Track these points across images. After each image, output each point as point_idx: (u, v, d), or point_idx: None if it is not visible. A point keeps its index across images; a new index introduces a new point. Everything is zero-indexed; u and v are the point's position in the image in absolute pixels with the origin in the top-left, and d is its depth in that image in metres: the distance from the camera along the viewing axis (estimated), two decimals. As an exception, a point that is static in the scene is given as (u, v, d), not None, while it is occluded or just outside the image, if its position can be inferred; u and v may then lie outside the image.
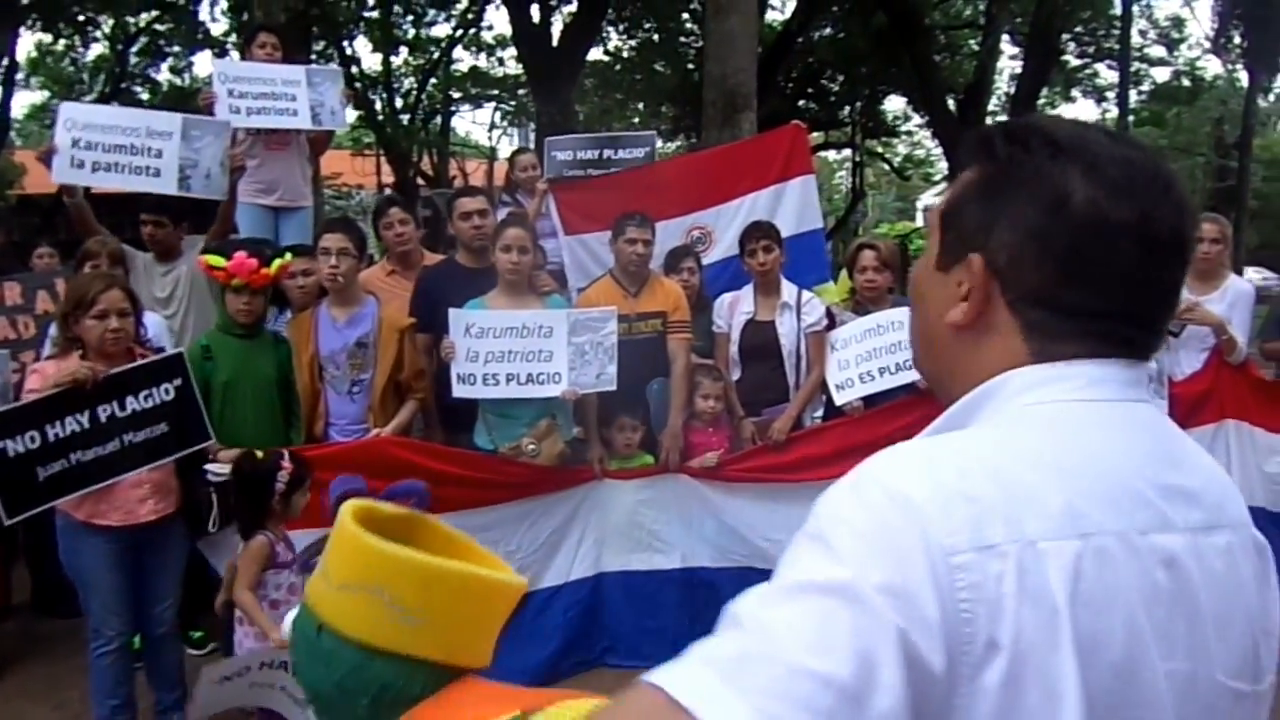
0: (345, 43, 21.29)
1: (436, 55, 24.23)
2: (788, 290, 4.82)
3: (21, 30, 17.98)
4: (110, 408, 3.53)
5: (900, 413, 4.64)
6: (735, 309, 4.83)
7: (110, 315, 3.56)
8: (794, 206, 5.79)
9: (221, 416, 3.99)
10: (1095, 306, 0.89)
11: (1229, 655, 0.85)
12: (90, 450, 3.49)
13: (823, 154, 29.84)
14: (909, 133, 29.36)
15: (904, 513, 0.76)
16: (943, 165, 27.27)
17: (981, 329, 0.92)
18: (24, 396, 3.63)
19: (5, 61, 17.38)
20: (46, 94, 25.57)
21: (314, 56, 16.12)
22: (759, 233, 4.79)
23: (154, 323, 4.53)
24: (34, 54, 23.14)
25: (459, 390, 4.21)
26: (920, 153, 32.51)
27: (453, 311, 4.22)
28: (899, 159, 32.11)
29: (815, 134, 26.53)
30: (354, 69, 21.35)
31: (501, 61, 25.96)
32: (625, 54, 23.01)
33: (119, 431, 3.54)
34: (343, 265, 4.18)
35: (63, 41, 20.85)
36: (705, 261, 5.37)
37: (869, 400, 4.69)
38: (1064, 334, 0.89)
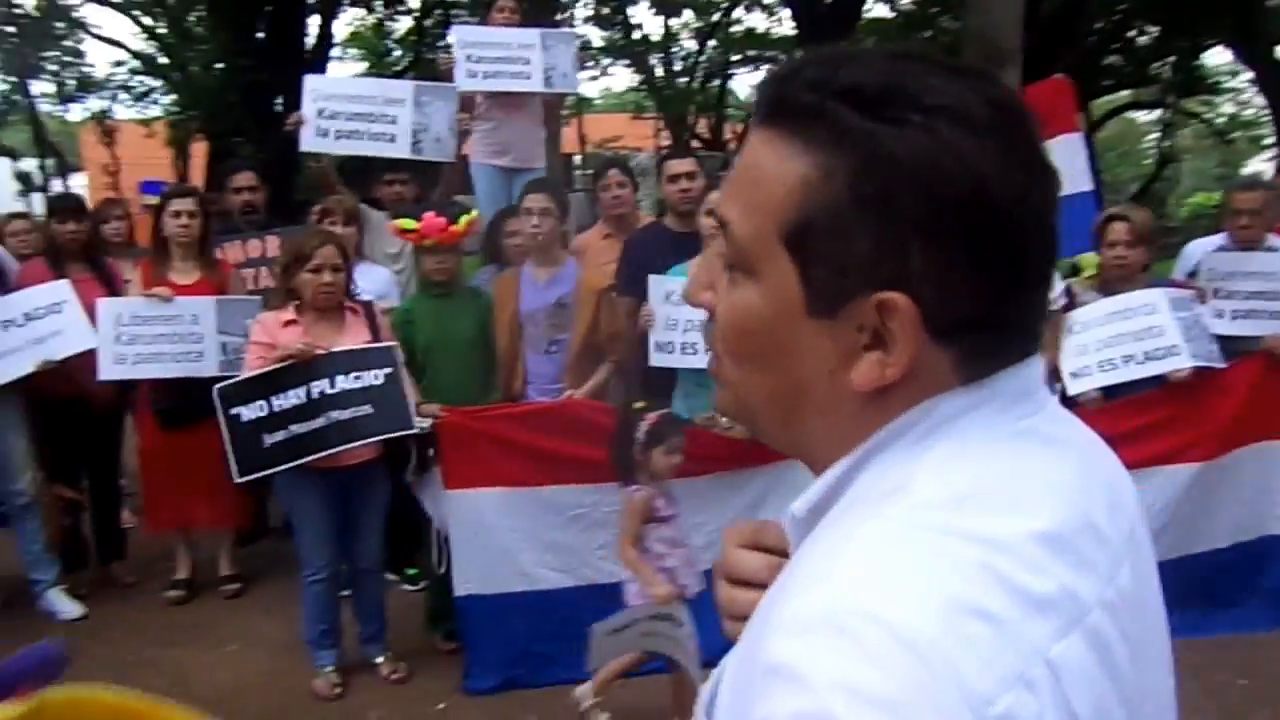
0: (628, 7, 21.82)
1: (717, 17, 24.25)
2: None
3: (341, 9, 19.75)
4: (323, 384, 3.77)
5: (1145, 409, 4.13)
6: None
7: (324, 270, 3.80)
8: (1058, 167, 5.26)
9: (425, 375, 4.20)
10: (1031, 307, 0.70)
11: (1165, 651, 0.76)
12: (306, 423, 3.77)
13: (1130, 114, 27.23)
14: (1234, 90, 26.10)
15: (928, 663, 0.57)
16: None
17: (899, 380, 0.68)
18: (248, 349, 3.95)
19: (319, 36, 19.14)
20: (365, 65, 28.07)
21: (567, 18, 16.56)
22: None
23: (384, 277, 4.82)
24: (353, 28, 25.40)
25: (656, 359, 4.16)
26: (1249, 113, 28.82)
27: (652, 278, 4.16)
28: (1222, 119, 28.65)
29: (1122, 91, 24.19)
30: (634, 34, 21.79)
31: (781, 21, 25.62)
32: (907, 8, 21.94)
33: (330, 409, 3.79)
34: (544, 225, 4.22)
35: (374, 16, 22.67)
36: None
37: (1109, 392, 4.19)
38: (1000, 350, 0.70)
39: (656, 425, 3.45)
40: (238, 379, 3.85)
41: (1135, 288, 4.25)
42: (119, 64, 24.57)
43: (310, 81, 5.08)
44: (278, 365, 3.75)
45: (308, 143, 4.90)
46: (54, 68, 25.40)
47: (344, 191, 5.02)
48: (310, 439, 3.79)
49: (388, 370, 3.87)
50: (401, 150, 4.89)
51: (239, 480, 3.87)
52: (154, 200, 5.31)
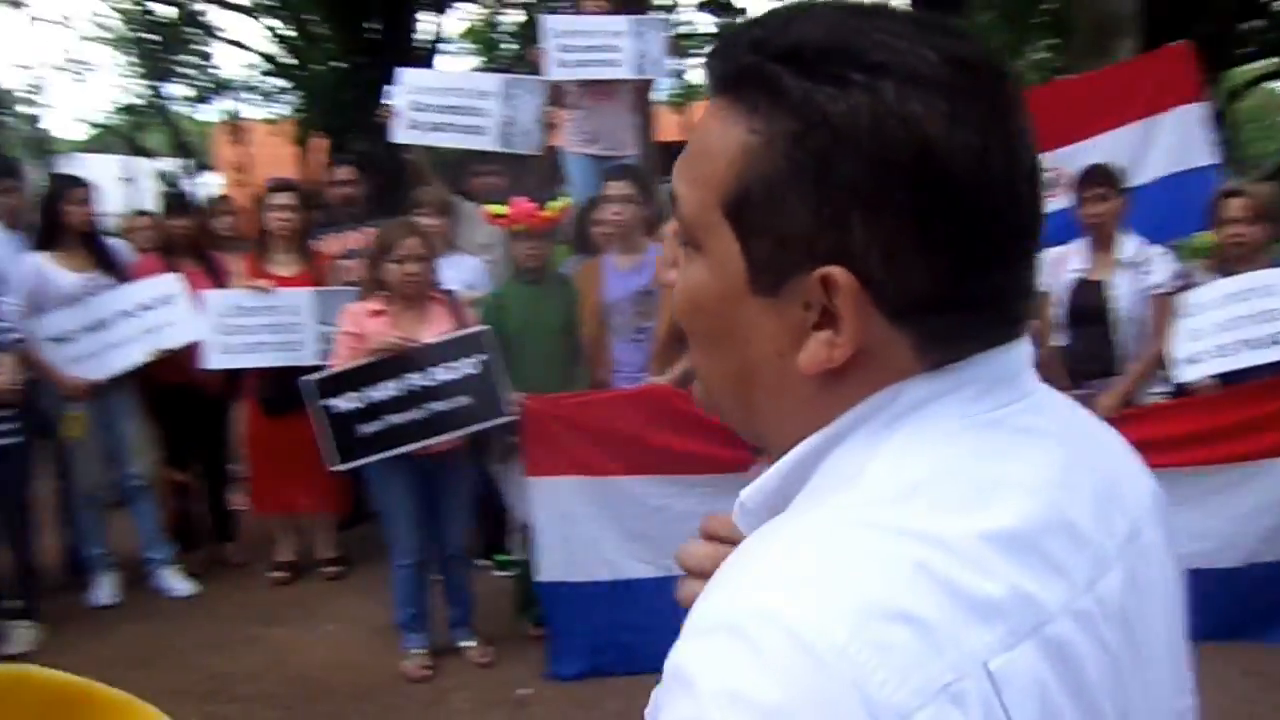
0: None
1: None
2: (1129, 245, 4.14)
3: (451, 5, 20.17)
4: (419, 378, 3.84)
5: (1268, 396, 3.86)
6: (1062, 266, 4.24)
7: (409, 260, 3.86)
8: (1174, 141, 5.00)
9: (513, 361, 4.23)
10: (999, 285, 0.63)
11: (1176, 670, 0.71)
12: (401, 415, 3.85)
13: (1272, 84, 25.55)
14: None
15: (827, 670, 0.52)
16: None
17: (851, 361, 0.63)
18: (337, 339, 4.05)
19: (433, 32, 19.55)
20: (481, 59, 28.62)
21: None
22: (1093, 179, 4.16)
23: (475, 267, 4.89)
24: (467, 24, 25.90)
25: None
26: None
27: None
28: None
29: (1263, 61, 22.73)
30: (737, 18, 21.57)
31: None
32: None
33: (425, 400, 3.86)
34: (625, 212, 4.20)
35: (484, 10, 23.06)
36: (1051, 209, 4.77)
37: (1227, 378, 3.94)
38: (970, 333, 0.64)
39: None
40: (327, 372, 3.96)
41: (1256, 266, 3.98)
42: (248, 66, 25.61)
43: (402, 75, 5.18)
44: (370, 359, 3.83)
45: (399, 135, 5.01)
46: (187, 71, 26.63)
47: (436, 183, 5.10)
48: (407, 429, 3.87)
49: (483, 358, 3.91)
50: (490, 143, 4.96)
51: (335, 469, 3.98)
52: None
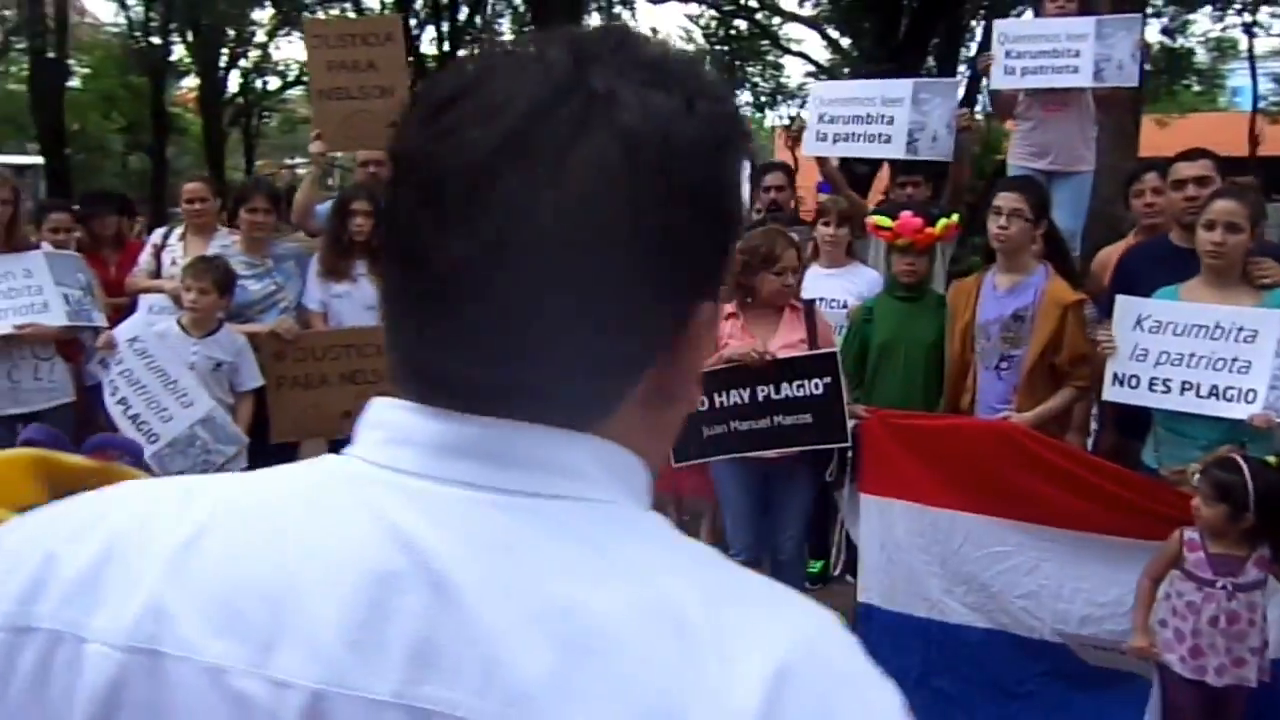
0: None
1: None
2: None
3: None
4: (768, 389, 3.92)
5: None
6: None
7: (787, 273, 3.96)
8: None
9: (873, 378, 4.16)
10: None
11: None
12: (745, 422, 3.95)
13: None
14: None
15: None
16: None
17: None
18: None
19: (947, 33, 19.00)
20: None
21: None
22: None
23: (872, 280, 4.82)
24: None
25: (1111, 393, 3.63)
26: None
27: (1121, 298, 3.62)
28: None
29: None
30: None
31: None
32: None
33: (771, 412, 3.93)
34: (1012, 227, 3.87)
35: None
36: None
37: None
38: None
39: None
40: None
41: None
42: (810, 74, 27.01)
43: (814, 88, 5.26)
44: (725, 365, 3.98)
45: (809, 148, 5.09)
46: (755, 80, 28.86)
47: (848, 193, 5.11)
48: (748, 436, 3.97)
49: (828, 380, 3.90)
50: (896, 151, 4.83)
51: (674, 466, 4.23)
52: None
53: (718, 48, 29.58)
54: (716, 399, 3.98)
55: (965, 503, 3.70)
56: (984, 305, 4.01)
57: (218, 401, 4.29)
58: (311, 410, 4.78)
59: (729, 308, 4.08)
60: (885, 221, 4.15)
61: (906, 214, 4.13)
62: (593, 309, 0.56)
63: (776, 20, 29.21)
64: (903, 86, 4.88)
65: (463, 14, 23.68)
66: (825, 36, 23.99)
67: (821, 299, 4.77)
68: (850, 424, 3.87)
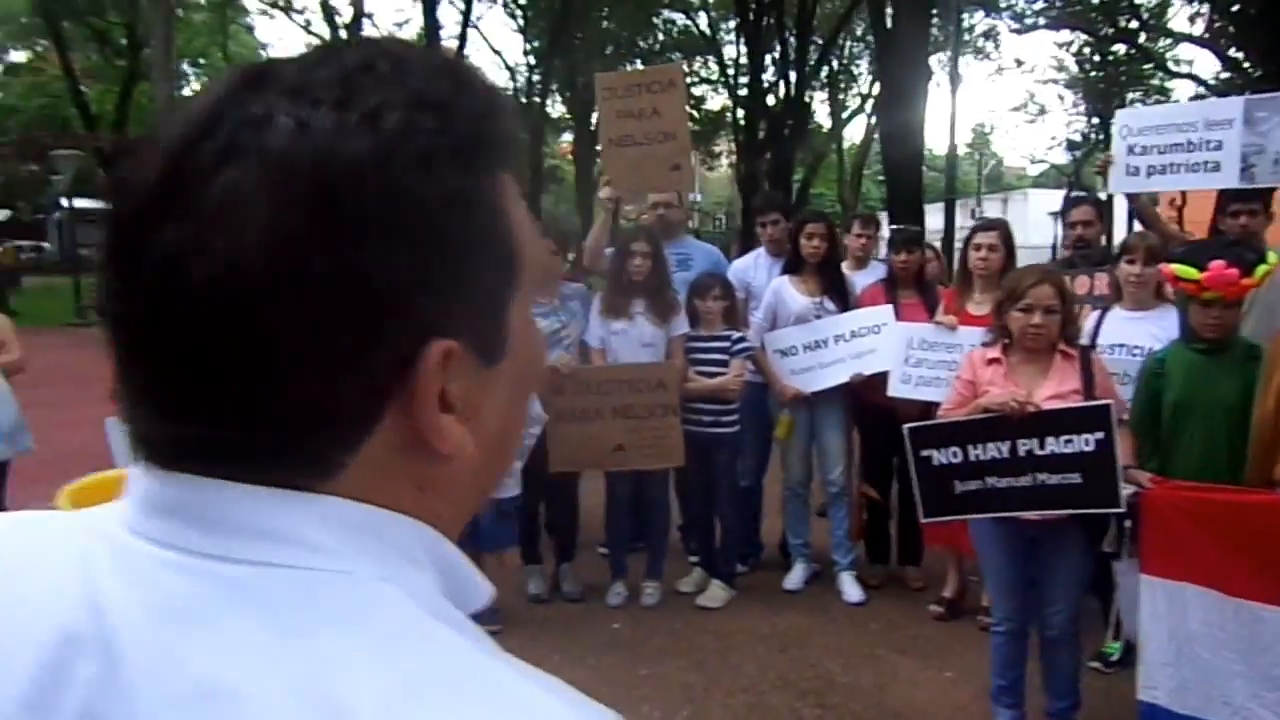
0: None
1: None
2: None
3: None
4: (1031, 444, 3.54)
5: None
6: None
7: (1035, 311, 3.57)
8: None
9: (1173, 439, 3.62)
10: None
11: None
12: (1004, 479, 3.60)
13: None
14: None
15: None
16: None
17: None
18: (952, 385, 3.93)
19: None
20: None
21: None
22: None
23: (1175, 321, 4.21)
24: None
25: None
26: None
27: None
28: None
29: None
30: None
31: None
32: None
33: (1033, 469, 3.54)
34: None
35: None
36: None
37: None
38: None
39: None
40: (931, 423, 3.89)
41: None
42: (1196, 97, 24.41)
43: (1122, 117, 4.63)
44: (983, 415, 3.65)
45: (1117, 184, 4.52)
46: (1135, 100, 26.51)
47: (1162, 227, 4.49)
48: (1006, 495, 3.60)
49: (1099, 436, 3.44)
50: (1229, 179, 4.13)
51: (924, 521, 3.94)
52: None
53: (1093, 74, 27.57)
54: (971, 451, 3.65)
55: (1272, 594, 3.10)
56: (1309, 359, 3.34)
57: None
58: (587, 443, 4.99)
59: (992, 352, 3.73)
60: (1191, 274, 3.55)
61: (1218, 263, 3.52)
62: (261, 362, 0.51)
63: (1166, 41, 26.75)
64: (1231, 106, 4.19)
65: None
66: (1222, 57, 21.55)
67: (1123, 345, 4.27)
68: (1128, 491, 3.38)
